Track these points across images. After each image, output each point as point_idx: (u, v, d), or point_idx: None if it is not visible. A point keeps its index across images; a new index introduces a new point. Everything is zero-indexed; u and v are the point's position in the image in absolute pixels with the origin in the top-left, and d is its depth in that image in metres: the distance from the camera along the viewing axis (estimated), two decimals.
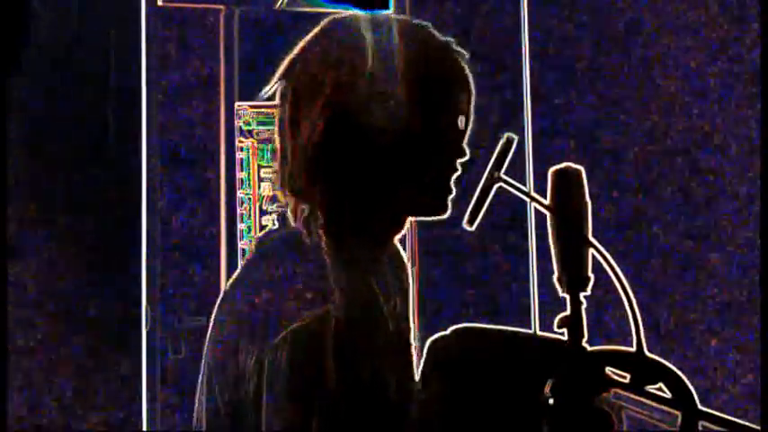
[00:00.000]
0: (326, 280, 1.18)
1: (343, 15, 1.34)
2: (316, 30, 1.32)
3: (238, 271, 1.33)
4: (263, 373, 1.15)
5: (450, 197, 1.32)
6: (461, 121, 1.32)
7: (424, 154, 1.28)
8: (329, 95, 1.24)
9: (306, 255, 1.22)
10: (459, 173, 1.32)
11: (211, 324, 1.32)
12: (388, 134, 1.24)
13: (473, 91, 1.33)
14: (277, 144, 1.31)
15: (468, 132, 1.33)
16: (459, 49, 1.33)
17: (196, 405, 1.31)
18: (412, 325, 1.32)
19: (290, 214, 1.28)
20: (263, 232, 1.37)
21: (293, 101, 1.28)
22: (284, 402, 1.14)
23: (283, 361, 1.14)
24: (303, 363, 1.14)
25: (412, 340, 1.32)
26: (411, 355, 1.32)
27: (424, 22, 1.34)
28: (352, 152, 1.25)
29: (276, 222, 1.33)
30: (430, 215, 1.33)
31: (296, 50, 1.32)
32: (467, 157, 1.32)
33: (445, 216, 1.32)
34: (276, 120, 1.31)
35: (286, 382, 1.14)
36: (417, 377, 1.31)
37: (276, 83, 1.31)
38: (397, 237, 1.36)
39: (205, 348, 1.31)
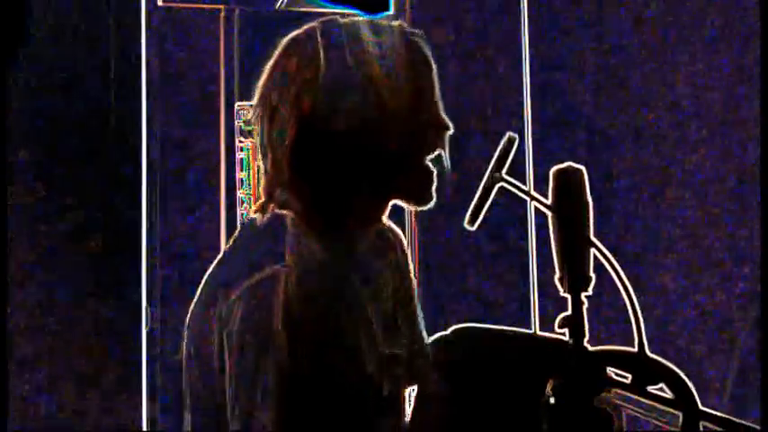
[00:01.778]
0: (281, 248, 1.21)
1: (301, 29, 1.37)
2: (279, 46, 1.38)
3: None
4: (223, 336, 1.20)
5: (434, 185, 1.32)
6: (429, 103, 1.32)
7: (396, 145, 1.29)
8: (292, 106, 1.29)
9: (264, 232, 1.29)
10: (433, 154, 1.32)
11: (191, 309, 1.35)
12: (358, 132, 1.27)
13: (434, 70, 1.34)
14: (259, 156, 1.36)
15: (441, 111, 1.33)
16: (413, 30, 1.35)
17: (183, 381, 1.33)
18: (418, 306, 1.33)
19: (254, 210, 1.33)
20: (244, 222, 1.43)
21: (267, 117, 1.34)
22: (237, 355, 1.17)
23: (237, 316, 1.18)
24: (255, 316, 1.17)
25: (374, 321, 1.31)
26: (396, 336, 1.32)
27: (376, 19, 1.37)
28: (322, 157, 1.28)
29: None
30: (414, 202, 1.34)
31: (267, 67, 1.38)
32: (450, 131, 1.32)
33: (429, 206, 1.33)
34: (256, 137, 1.37)
35: (238, 335, 1.17)
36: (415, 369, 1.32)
37: (256, 101, 1.39)
38: (381, 218, 1.37)
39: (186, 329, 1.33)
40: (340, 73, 1.27)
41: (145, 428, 3.39)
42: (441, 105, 1.34)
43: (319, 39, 1.30)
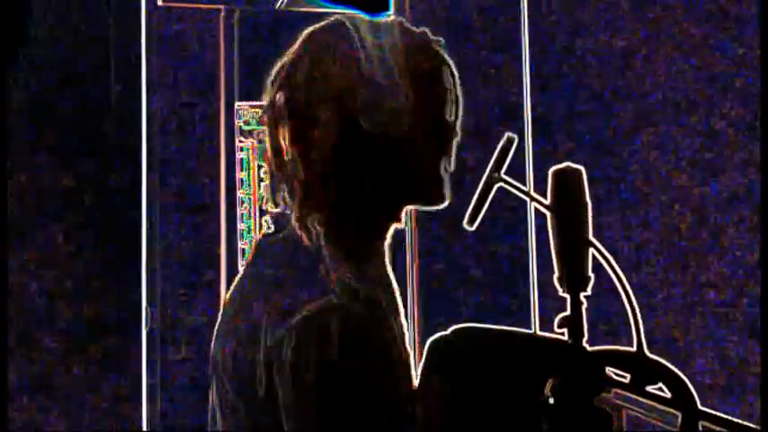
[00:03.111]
0: (325, 273, 1.19)
1: (323, 23, 1.33)
2: (301, 39, 1.32)
3: (240, 274, 1.35)
4: (273, 366, 1.16)
5: (447, 185, 1.31)
6: (451, 106, 1.32)
7: (424, 145, 1.28)
8: (334, 105, 1.24)
9: (305, 251, 1.24)
10: (452, 159, 1.32)
11: (217, 327, 1.33)
12: (393, 132, 1.25)
13: (456, 76, 1.33)
14: (270, 159, 1.31)
15: (460, 117, 1.33)
16: (435, 38, 1.34)
17: (210, 407, 1.32)
18: (403, 320, 1.32)
19: (297, 228, 1.27)
20: (260, 234, 1.39)
21: (293, 116, 1.28)
22: (299, 391, 1.14)
23: (292, 351, 1.14)
24: (313, 351, 1.14)
25: (405, 331, 1.32)
26: (407, 350, 1.32)
27: (398, 18, 1.35)
28: (363, 154, 1.25)
29: (272, 225, 1.34)
30: (429, 204, 1.33)
31: (286, 61, 1.32)
32: (458, 137, 1.32)
33: (444, 205, 1.32)
34: (270, 132, 1.30)
35: (299, 371, 1.14)
36: (416, 376, 1.31)
37: (271, 94, 1.31)
38: (396, 228, 1.36)
39: (212, 350, 1.31)
40: (381, 73, 1.25)
41: (145, 428, 3.39)
42: (461, 110, 1.33)
43: (356, 37, 1.27)
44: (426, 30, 1.34)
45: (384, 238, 1.33)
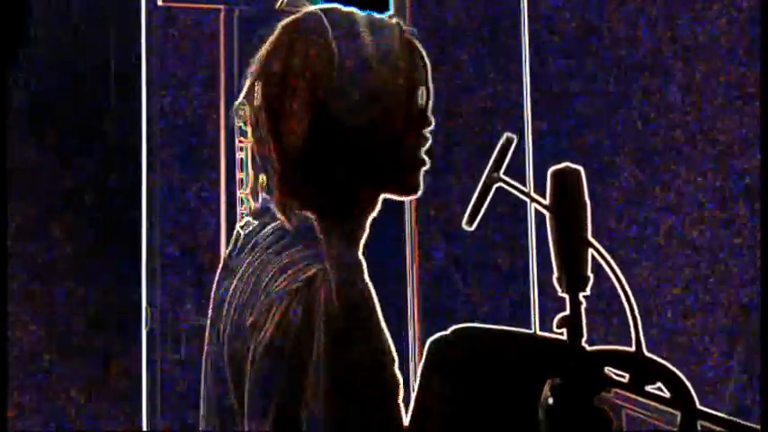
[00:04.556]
0: (316, 258, 1.20)
1: (297, 14, 1.36)
2: (276, 31, 1.35)
3: (222, 276, 1.38)
4: (256, 340, 1.18)
5: (423, 170, 1.32)
6: (422, 93, 1.33)
7: (397, 132, 1.30)
8: (305, 94, 1.27)
9: (298, 241, 1.27)
10: (429, 143, 1.33)
11: (209, 321, 1.36)
12: (363, 120, 1.27)
13: (428, 63, 1.35)
14: (253, 150, 1.35)
15: (431, 103, 1.34)
16: (407, 27, 1.35)
17: (202, 395, 1.33)
18: (379, 312, 1.33)
19: (279, 214, 1.29)
20: (239, 231, 1.40)
21: (268, 105, 1.31)
22: (276, 364, 1.16)
23: (273, 322, 1.16)
24: (294, 323, 1.16)
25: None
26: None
27: (371, 14, 1.36)
28: (334, 143, 1.27)
29: (253, 221, 1.37)
30: (401, 193, 1.35)
31: (260, 55, 1.36)
32: (432, 126, 1.33)
33: (416, 195, 1.33)
34: (252, 126, 1.34)
35: (279, 341, 1.16)
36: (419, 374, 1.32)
37: (247, 89, 1.35)
38: (371, 217, 1.37)
39: (206, 340, 1.33)
40: (353, 63, 1.27)
41: (145, 428, 3.39)
42: (427, 103, 1.34)
43: (329, 27, 1.29)
44: (399, 19, 1.36)
45: (364, 228, 1.34)
